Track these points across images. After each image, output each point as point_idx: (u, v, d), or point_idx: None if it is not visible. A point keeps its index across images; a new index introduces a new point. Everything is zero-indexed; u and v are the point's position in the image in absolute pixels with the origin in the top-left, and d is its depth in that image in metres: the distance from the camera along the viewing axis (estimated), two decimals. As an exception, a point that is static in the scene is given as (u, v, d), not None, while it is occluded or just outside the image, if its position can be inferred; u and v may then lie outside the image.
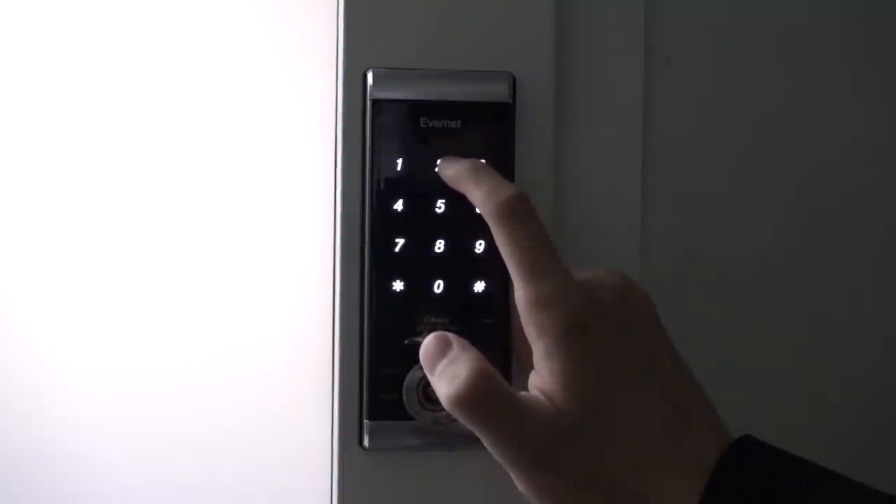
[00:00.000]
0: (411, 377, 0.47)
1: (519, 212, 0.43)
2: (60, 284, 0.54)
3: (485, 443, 0.41)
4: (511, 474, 0.42)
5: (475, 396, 0.41)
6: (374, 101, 0.48)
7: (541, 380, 0.42)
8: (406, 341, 0.47)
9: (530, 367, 0.47)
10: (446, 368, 0.43)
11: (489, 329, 0.48)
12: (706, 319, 0.55)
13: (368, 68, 0.48)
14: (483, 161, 0.46)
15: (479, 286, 0.48)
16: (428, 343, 0.44)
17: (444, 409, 0.47)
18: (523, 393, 0.42)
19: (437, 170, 0.47)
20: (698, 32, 0.54)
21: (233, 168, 0.54)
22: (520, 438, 0.41)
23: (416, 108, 0.48)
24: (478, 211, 0.44)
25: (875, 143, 0.56)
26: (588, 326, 0.41)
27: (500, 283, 0.48)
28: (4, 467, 0.54)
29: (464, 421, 0.41)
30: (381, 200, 0.47)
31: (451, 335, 0.44)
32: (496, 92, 0.48)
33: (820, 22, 0.55)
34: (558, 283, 0.42)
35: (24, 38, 0.53)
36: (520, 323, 0.47)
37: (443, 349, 0.44)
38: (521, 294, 0.42)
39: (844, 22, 0.56)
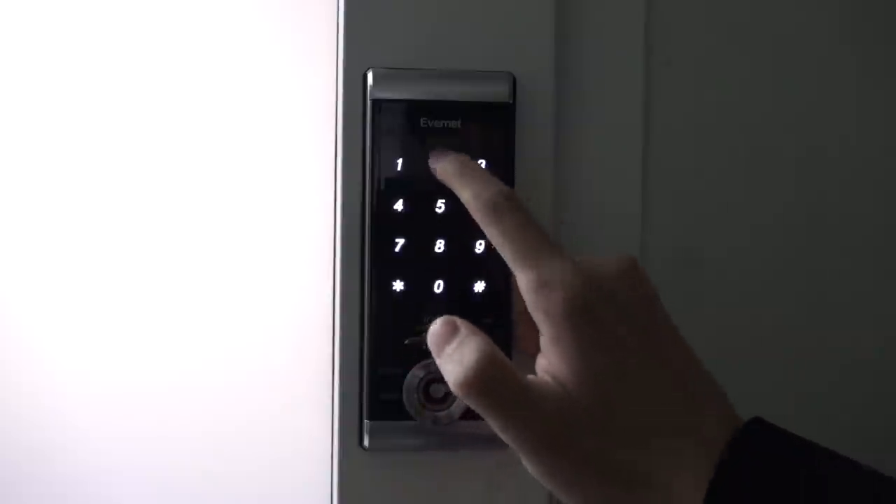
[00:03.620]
0: (411, 377, 0.47)
1: (505, 207, 0.44)
2: (60, 284, 0.54)
3: (494, 427, 0.41)
4: (521, 457, 0.42)
5: (483, 380, 0.41)
6: (374, 101, 0.48)
7: (549, 363, 0.42)
8: (406, 341, 0.47)
9: (530, 351, 0.47)
10: (454, 352, 0.43)
11: (489, 329, 0.47)
12: (706, 319, 0.55)
13: (368, 68, 0.48)
14: (468, 158, 0.47)
15: (479, 286, 0.48)
16: (436, 327, 0.44)
17: (444, 409, 0.47)
18: (531, 376, 0.42)
19: (429, 163, 0.47)
20: (698, 32, 0.54)
21: (233, 168, 0.54)
22: (530, 422, 0.41)
23: (416, 108, 0.48)
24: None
25: (876, 143, 0.56)
26: (593, 306, 0.41)
27: (500, 282, 0.48)
28: (4, 467, 0.54)
29: (472, 405, 0.41)
30: (381, 200, 0.47)
31: (458, 319, 0.44)
32: (496, 92, 0.48)
33: (820, 22, 0.55)
34: (557, 263, 0.42)
35: (25, 39, 0.53)
36: (521, 312, 0.47)
37: (450, 333, 0.43)
38: (521, 281, 0.42)
39: (844, 22, 0.56)
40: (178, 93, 0.54)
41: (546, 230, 0.44)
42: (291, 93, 0.54)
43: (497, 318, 0.48)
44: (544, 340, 0.42)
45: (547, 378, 0.42)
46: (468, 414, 0.45)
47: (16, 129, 0.53)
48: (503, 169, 0.48)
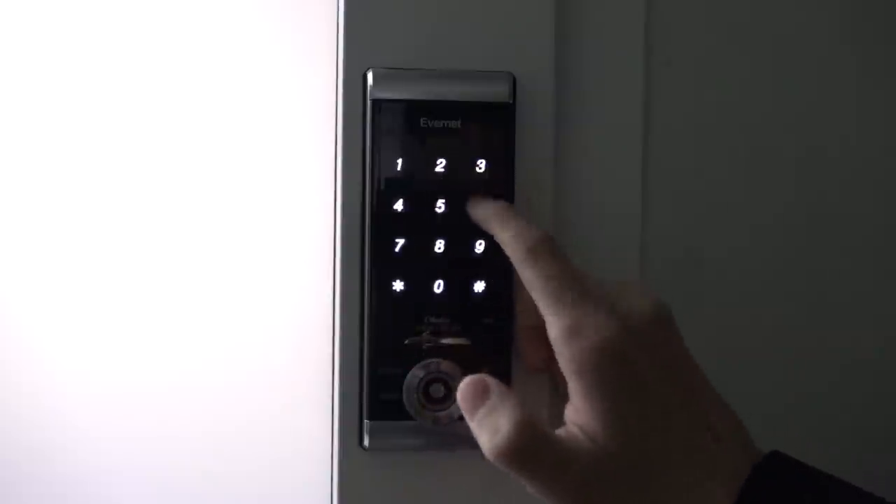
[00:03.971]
0: (411, 377, 0.47)
1: (543, 251, 0.43)
2: (60, 284, 0.54)
3: (528, 488, 0.42)
4: None
5: (519, 449, 0.41)
6: (374, 101, 0.48)
7: (578, 415, 0.42)
8: (406, 341, 0.47)
9: (533, 366, 0.47)
10: (487, 419, 0.42)
11: (489, 329, 0.48)
12: (706, 319, 0.55)
13: (368, 68, 0.48)
14: (510, 205, 0.47)
15: (479, 286, 0.48)
16: (465, 388, 0.44)
17: (444, 410, 0.47)
18: (561, 432, 0.42)
19: (467, 207, 0.47)
20: (698, 32, 0.54)
21: (233, 168, 0.54)
22: (564, 482, 0.41)
23: (416, 108, 0.47)
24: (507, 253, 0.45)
25: (876, 143, 0.56)
26: (623, 355, 0.41)
27: (501, 283, 0.48)
28: (4, 467, 0.54)
29: (507, 471, 0.41)
30: (381, 200, 0.47)
31: (488, 379, 0.44)
32: (496, 92, 0.48)
33: (820, 22, 0.55)
34: (589, 309, 0.42)
35: (26, 38, 0.53)
36: (522, 328, 0.47)
37: (481, 395, 0.43)
38: (551, 327, 0.42)
39: (844, 22, 0.56)
40: (178, 93, 0.54)
41: (585, 277, 0.43)
42: (291, 93, 0.54)
43: (497, 318, 0.48)
44: (573, 391, 0.42)
45: (576, 430, 0.42)
46: (468, 414, 0.45)
47: (16, 130, 0.53)
48: (503, 169, 0.48)
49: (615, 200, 0.52)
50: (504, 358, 0.48)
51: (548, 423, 0.44)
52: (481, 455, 0.42)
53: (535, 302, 0.43)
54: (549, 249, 0.44)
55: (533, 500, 0.43)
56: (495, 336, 0.48)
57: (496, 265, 0.46)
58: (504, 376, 0.48)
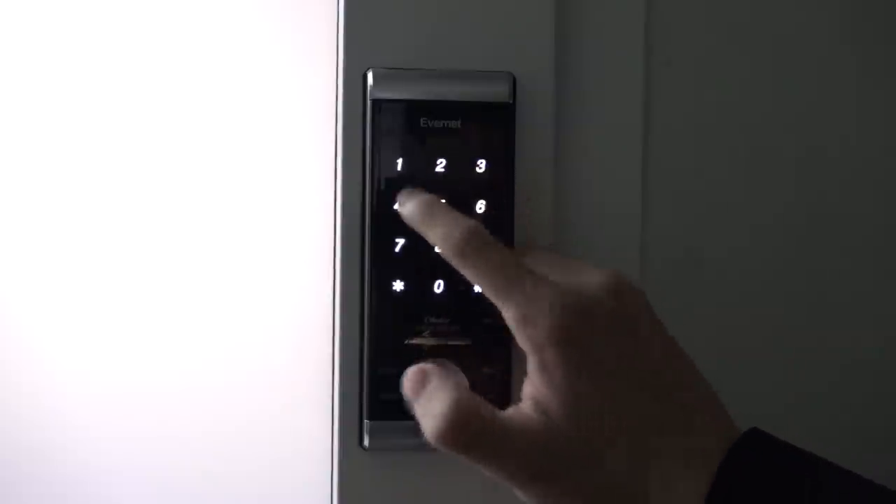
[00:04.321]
0: (411, 377, 0.47)
1: (474, 247, 0.43)
2: (60, 284, 0.54)
3: (481, 468, 0.41)
4: (514, 490, 0.42)
5: (456, 430, 0.41)
6: (374, 101, 0.48)
7: (535, 390, 0.42)
8: (406, 341, 0.47)
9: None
10: (427, 405, 0.42)
11: (489, 329, 0.48)
12: (706, 319, 0.55)
13: (368, 68, 0.48)
14: (435, 198, 0.46)
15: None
16: (406, 379, 0.44)
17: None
18: (511, 409, 0.42)
19: (396, 203, 0.47)
20: (698, 32, 0.54)
21: (233, 168, 0.54)
22: (513, 459, 0.41)
23: (416, 108, 0.48)
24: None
25: (876, 143, 0.56)
26: (576, 332, 0.41)
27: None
28: (4, 467, 0.54)
29: (452, 453, 0.41)
30: (381, 200, 0.47)
31: (428, 367, 0.44)
32: (496, 92, 0.48)
33: (820, 22, 0.55)
34: (535, 293, 0.42)
35: (25, 38, 0.53)
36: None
37: (420, 384, 0.44)
38: (505, 315, 0.42)
39: (844, 22, 0.56)
40: (178, 93, 0.54)
41: (517, 259, 0.43)
42: (291, 93, 0.54)
43: (497, 317, 0.48)
44: (530, 367, 0.42)
45: (529, 406, 0.42)
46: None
47: (16, 129, 0.53)
48: (503, 169, 0.48)
49: (615, 200, 0.52)
50: (504, 358, 0.48)
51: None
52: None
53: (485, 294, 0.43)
54: (479, 244, 0.43)
55: (533, 500, 0.43)
56: (495, 336, 0.48)
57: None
58: (504, 376, 0.48)
